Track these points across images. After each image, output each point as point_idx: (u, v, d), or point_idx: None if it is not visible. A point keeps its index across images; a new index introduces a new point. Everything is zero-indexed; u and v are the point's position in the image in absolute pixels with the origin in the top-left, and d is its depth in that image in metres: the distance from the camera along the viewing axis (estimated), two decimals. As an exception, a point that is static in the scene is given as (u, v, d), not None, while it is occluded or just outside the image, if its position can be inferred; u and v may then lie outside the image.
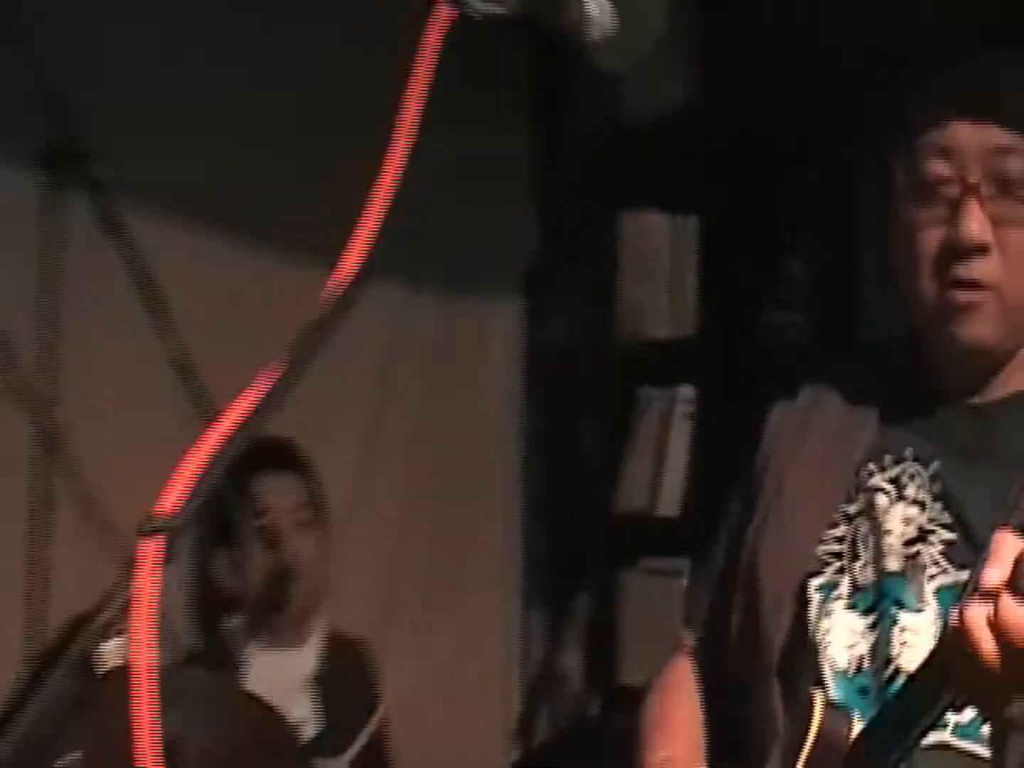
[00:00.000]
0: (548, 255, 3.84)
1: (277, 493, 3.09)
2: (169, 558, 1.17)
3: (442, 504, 3.78)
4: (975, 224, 1.68)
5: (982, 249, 1.69)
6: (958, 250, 1.69)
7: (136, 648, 1.13)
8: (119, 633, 1.17)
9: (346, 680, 3.16)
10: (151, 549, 1.16)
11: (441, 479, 3.79)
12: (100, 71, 2.93)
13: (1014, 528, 1.43)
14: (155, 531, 1.17)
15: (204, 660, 3.08)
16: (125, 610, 1.17)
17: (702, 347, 3.66)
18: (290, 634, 3.09)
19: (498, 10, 1.36)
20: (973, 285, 1.70)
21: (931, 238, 1.71)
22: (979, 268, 1.69)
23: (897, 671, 1.71)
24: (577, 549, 3.82)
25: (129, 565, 1.17)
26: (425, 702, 3.64)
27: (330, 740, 3.06)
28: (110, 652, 1.24)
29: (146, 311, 2.86)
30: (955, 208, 1.69)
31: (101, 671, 1.24)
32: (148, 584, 1.15)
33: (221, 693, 2.66)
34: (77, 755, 1.19)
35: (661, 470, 3.68)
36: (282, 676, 3.03)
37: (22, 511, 2.83)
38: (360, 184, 1.26)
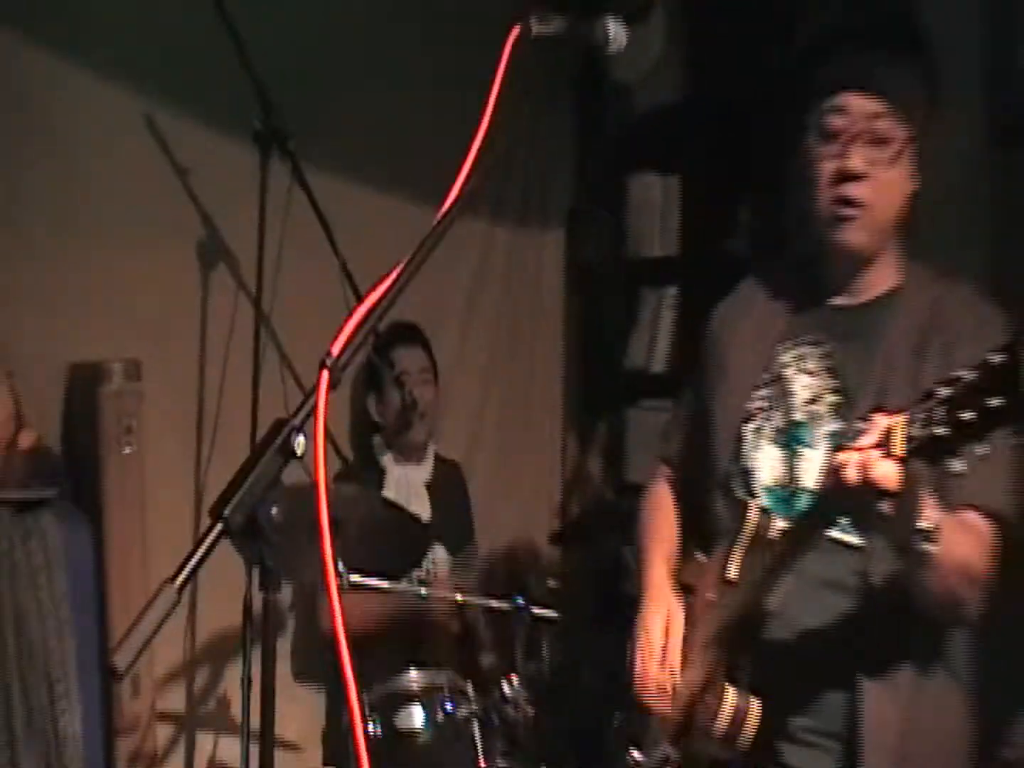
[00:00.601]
0: (583, 200, 3.75)
1: (408, 359, 3.08)
2: (335, 384, 1.16)
3: (512, 366, 3.65)
4: (856, 159, 1.63)
5: (860, 176, 1.63)
6: (844, 175, 1.63)
7: (317, 438, 1.14)
8: (303, 432, 1.16)
9: (447, 488, 3.13)
10: (324, 377, 1.16)
11: (512, 348, 3.67)
12: (293, 72, 2.85)
13: (885, 408, 1.38)
14: (326, 366, 1.17)
15: (357, 466, 3.07)
16: (308, 415, 1.17)
17: (682, 263, 3.60)
18: (414, 454, 3.10)
19: (547, 31, 1.36)
20: (852, 203, 1.64)
21: (826, 168, 1.64)
22: (857, 190, 1.63)
23: (800, 487, 1.67)
24: (600, 393, 3.74)
25: (311, 391, 1.16)
26: (499, 500, 3.53)
27: (436, 528, 3.04)
28: (301, 443, 1.18)
29: (321, 239, 2.75)
30: (844, 147, 1.64)
31: (297, 453, 1.17)
32: (322, 399, 1.16)
33: (368, 489, 2.69)
34: (273, 508, 1.10)
35: (654, 342, 3.63)
36: (408, 482, 3.04)
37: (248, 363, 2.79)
38: (465, 145, 1.25)
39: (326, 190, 2.83)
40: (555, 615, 2.57)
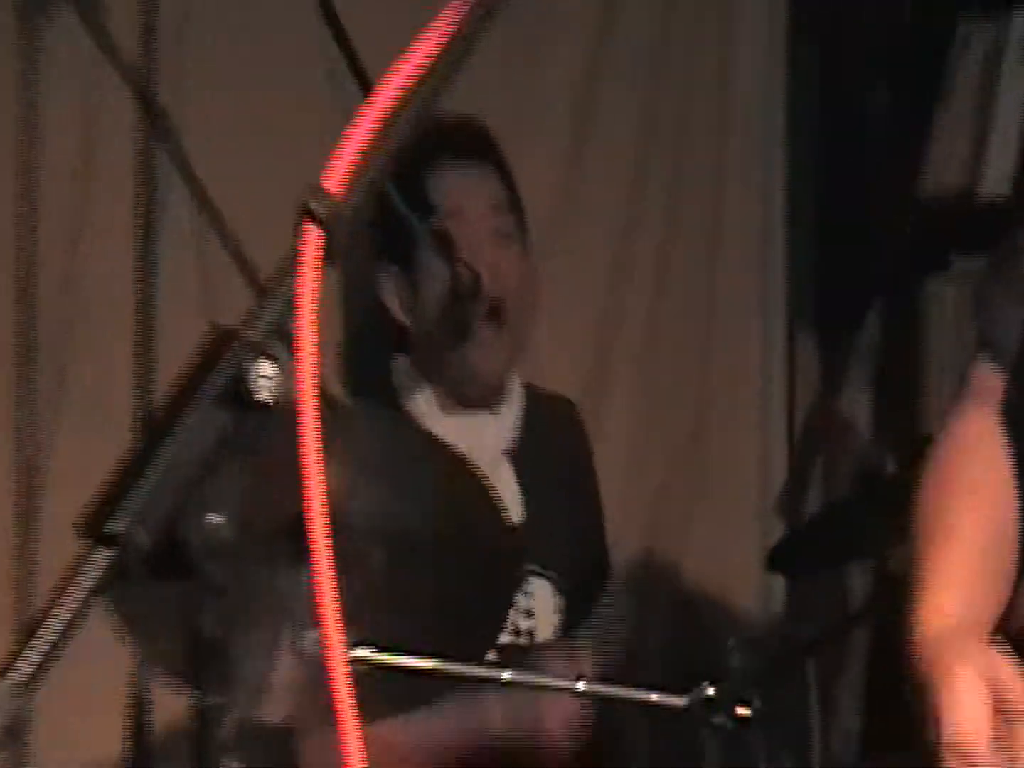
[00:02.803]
0: None
1: (465, 190, 2.38)
2: (333, 255, 1.00)
3: (676, 207, 3.01)
4: None
5: None
6: None
7: (301, 361, 0.95)
8: (272, 358, 0.97)
9: (554, 458, 2.50)
10: (315, 239, 0.99)
11: (674, 175, 3.00)
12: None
13: None
14: (316, 217, 0.99)
15: (366, 413, 2.38)
16: (280, 320, 0.99)
17: None
18: (481, 392, 2.41)
19: None
20: None
21: None
22: None
23: None
24: (865, 251, 3.06)
25: (288, 260, 0.99)
26: (655, 482, 3.00)
27: (532, 542, 2.37)
28: (269, 377, 0.95)
29: None
30: None
31: (261, 398, 0.94)
32: (311, 279, 0.98)
33: (396, 445, 1.96)
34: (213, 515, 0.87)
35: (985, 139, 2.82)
36: (472, 446, 2.26)
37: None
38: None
39: None
40: (784, 721, 2.30)
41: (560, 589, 2.35)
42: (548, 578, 2.32)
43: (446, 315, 2.31)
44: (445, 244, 2.26)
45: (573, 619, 2.42)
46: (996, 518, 1.58)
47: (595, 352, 2.93)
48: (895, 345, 3.07)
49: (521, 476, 2.40)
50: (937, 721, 1.48)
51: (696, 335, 3.07)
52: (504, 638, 2.25)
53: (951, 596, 1.55)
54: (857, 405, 3.09)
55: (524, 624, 2.32)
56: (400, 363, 2.42)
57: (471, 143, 2.41)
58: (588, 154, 2.91)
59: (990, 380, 1.63)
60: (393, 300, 2.39)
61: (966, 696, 1.47)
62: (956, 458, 1.62)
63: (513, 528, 2.26)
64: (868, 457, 3.12)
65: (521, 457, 2.41)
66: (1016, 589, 1.54)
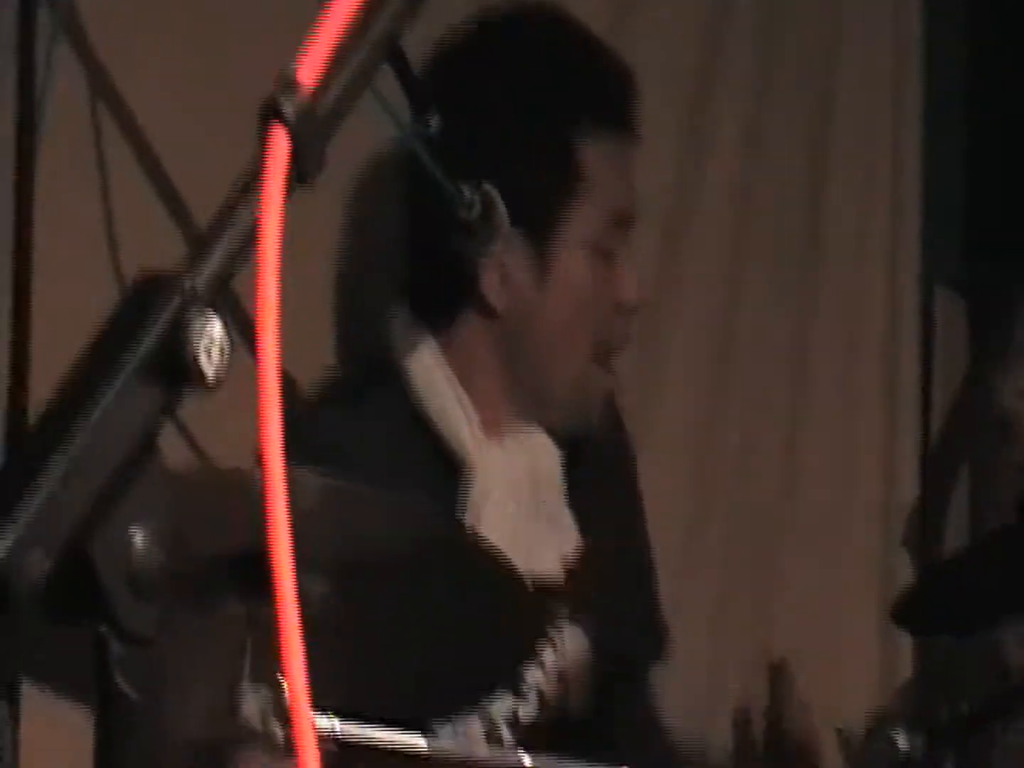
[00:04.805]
0: None
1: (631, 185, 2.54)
2: (306, 170, 1.00)
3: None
4: None
5: None
6: None
7: (262, 320, 0.94)
8: (222, 315, 0.97)
9: (609, 491, 2.56)
10: (282, 147, 0.97)
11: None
12: None
13: None
14: (284, 118, 0.97)
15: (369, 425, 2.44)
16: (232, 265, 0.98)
17: None
18: (566, 418, 2.50)
19: None
20: None
21: None
22: None
23: None
24: None
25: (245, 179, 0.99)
26: (723, 496, 3.02)
27: (581, 591, 2.44)
28: (216, 345, 0.94)
29: None
30: None
31: (205, 371, 0.93)
32: (277, 203, 0.96)
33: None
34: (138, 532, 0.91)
35: None
36: (543, 470, 2.41)
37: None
38: None
39: None
40: None
41: (595, 643, 2.37)
42: (584, 628, 2.34)
43: (581, 308, 2.39)
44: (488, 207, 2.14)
45: (612, 684, 2.44)
46: None
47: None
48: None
49: (582, 508, 2.44)
50: None
51: (793, 307, 3.12)
52: (528, 710, 2.29)
53: None
54: (1021, 393, 3.05)
55: (554, 692, 2.32)
56: (403, 316, 2.47)
57: (629, 105, 2.47)
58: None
59: None
60: (493, 276, 2.41)
61: None
62: None
63: (555, 587, 2.34)
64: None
65: (583, 486, 2.46)
66: None
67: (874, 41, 3.27)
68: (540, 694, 2.33)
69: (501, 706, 2.31)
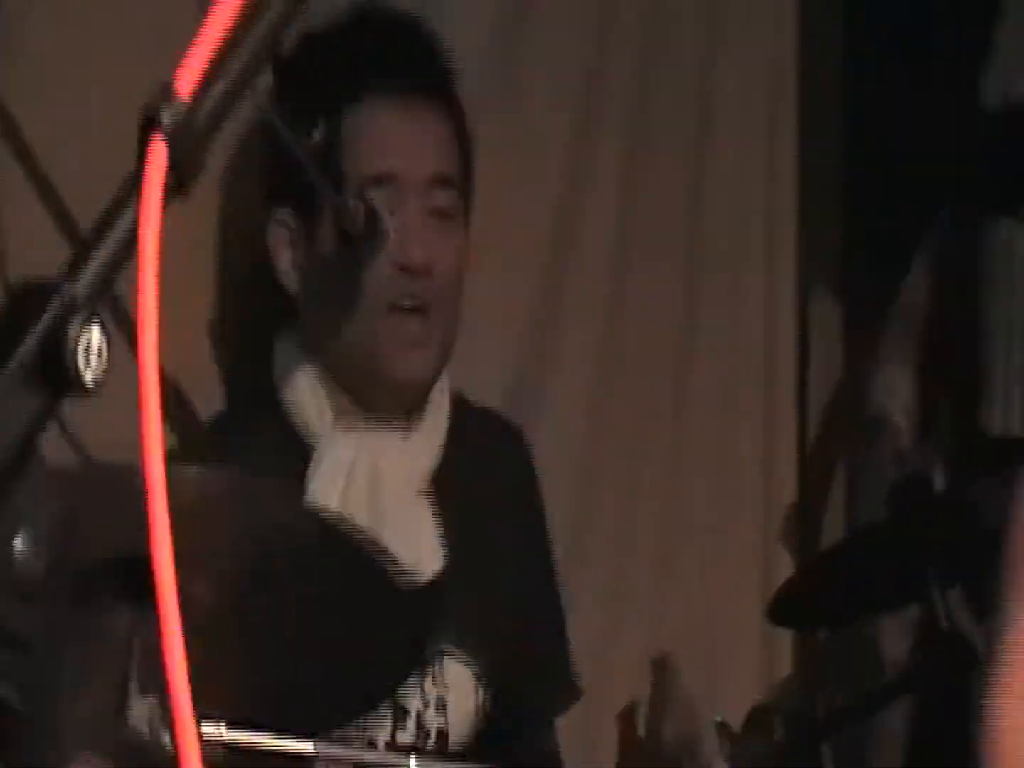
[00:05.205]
0: None
1: (400, 143, 2.39)
2: (184, 178, 1.01)
3: (660, 168, 3.19)
4: None
5: None
6: None
7: (141, 325, 0.96)
8: (101, 322, 0.98)
9: (489, 493, 2.49)
10: (161, 154, 0.99)
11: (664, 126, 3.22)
12: None
13: None
14: (160, 127, 0.98)
15: (239, 423, 2.39)
16: (122, 254, 0.99)
17: None
18: (397, 401, 2.40)
19: None
20: None
21: None
22: None
23: None
24: (904, 192, 3.24)
25: (125, 187, 1.00)
26: (615, 502, 3.06)
27: (455, 600, 2.37)
28: (95, 349, 0.96)
29: None
30: None
31: (84, 377, 0.94)
32: (155, 210, 0.97)
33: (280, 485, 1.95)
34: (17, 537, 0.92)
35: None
36: (378, 478, 2.35)
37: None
38: None
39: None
40: None
41: (483, 679, 2.31)
42: (467, 664, 2.29)
43: (346, 276, 2.26)
44: (357, 198, 2.14)
45: (501, 723, 2.37)
46: None
47: (540, 357, 3.03)
48: (948, 309, 3.16)
49: (443, 518, 2.37)
50: None
51: (678, 322, 3.17)
52: (406, 738, 2.20)
53: None
54: (893, 392, 3.12)
55: (433, 722, 2.26)
56: (285, 347, 2.39)
57: (417, 67, 2.39)
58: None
59: None
60: (283, 254, 2.35)
61: None
62: None
63: (429, 588, 2.25)
64: (909, 466, 3.11)
65: (443, 492, 2.39)
66: None
67: (751, 57, 3.34)
68: (419, 721, 2.28)
69: (380, 730, 2.25)
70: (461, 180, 2.43)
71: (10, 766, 0.96)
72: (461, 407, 2.46)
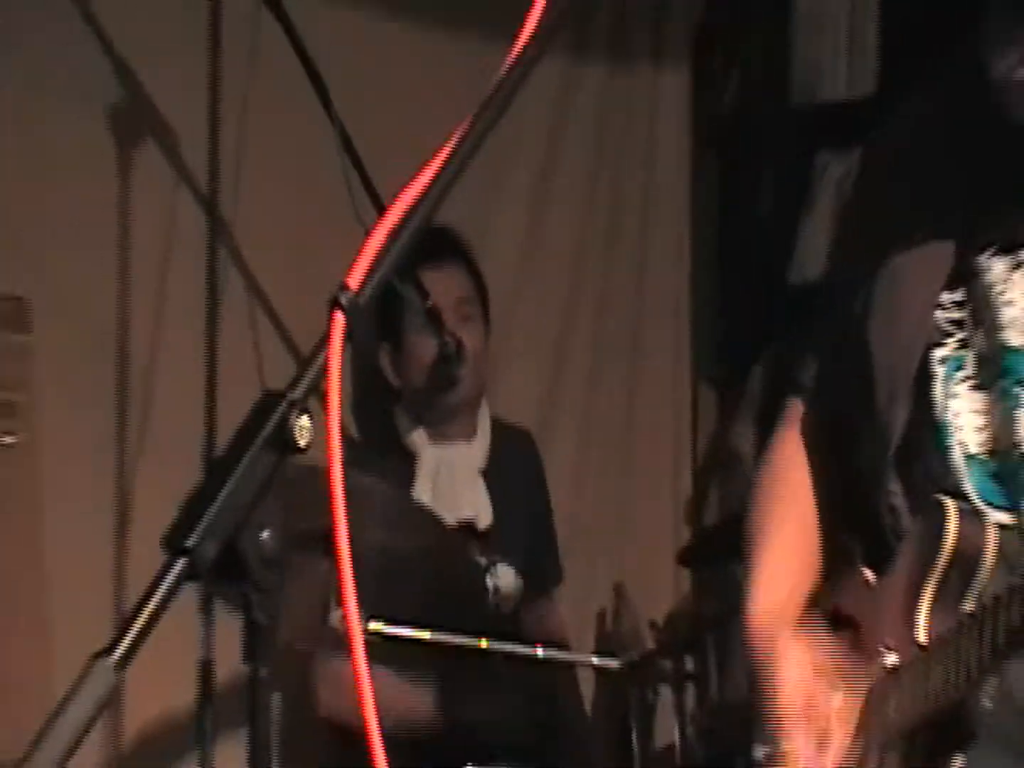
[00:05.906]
0: (718, 16, 3.85)
1: (441, 284, 3.13)
2: (353, 335, 1.20)
3: (608, 283, 3.81)
4: None
5: None
6: None
7: (329, 414, 1.17)
8: (308, 412, 1.20)
9: (516, 473, 3.33)
10: (340, 323, 1.19)
11: (608, 257, 3.81)
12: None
13: None
14: (341, 306, 1.19)
15: (374, 455, 3.24)
16: (314, 384, 1.20)
17: (881, 108, 3.59)
18: (459, 425, 3.26)
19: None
20: None
21: None
22: None
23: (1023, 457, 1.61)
24: (750, 320, 3.77)
25: (321, 338, 1.21)
26: (592, 495, 3.76)
27: (500, 538, 3.19)
28: (305, 428, 1.21)
29: (308, 95, 2.93)
30: None
31: (300, 444, 1.20)
32: (336, 357, 1.19)
33: (389, 487, 2.80)
34: (264, 532, 1.20)
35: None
36: (454, 470, 3.22)
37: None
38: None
39: (314, 20, 3.02)
40: (691, 673, 2.73)
41: (519, 572, 3.05)
42: (512, 564, 3.02)
43: (432, 373, 3.14)
44: (431, 322, 3.09)
45: (530, 596, 3.14)
46: (806, 524, 1.78)
47: (539, 398, 3.67)
48: (772, 395, 3.38)
49: (491, 490, 3.21)
50: (770, 691, 1.66)
51: (623, 383, 3.79)
52: (486, 611, 2.99)
53: (775, 588, 1.74)
54: (743, 439, 3.69)
55: (493, 598, 2.97)
56: (398, 412, 3.24)
57: (443, 245, 3.15)
58: (540, 239, 3.69)
59: (796, 410, 1.84)
60: (387, 366, 3.21)
61: (794, 669, 1.65)
62: (774, 476, 1.82)
63: (482, 533, 3.15)
64: (751, 479, 3.74)
65: (491, 476, 3.23)
66: (822, 577, 1.76)
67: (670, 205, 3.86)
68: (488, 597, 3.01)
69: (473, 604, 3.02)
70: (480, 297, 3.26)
71: (257, 668, 1.20)
72: (496, 424, 3.29)
